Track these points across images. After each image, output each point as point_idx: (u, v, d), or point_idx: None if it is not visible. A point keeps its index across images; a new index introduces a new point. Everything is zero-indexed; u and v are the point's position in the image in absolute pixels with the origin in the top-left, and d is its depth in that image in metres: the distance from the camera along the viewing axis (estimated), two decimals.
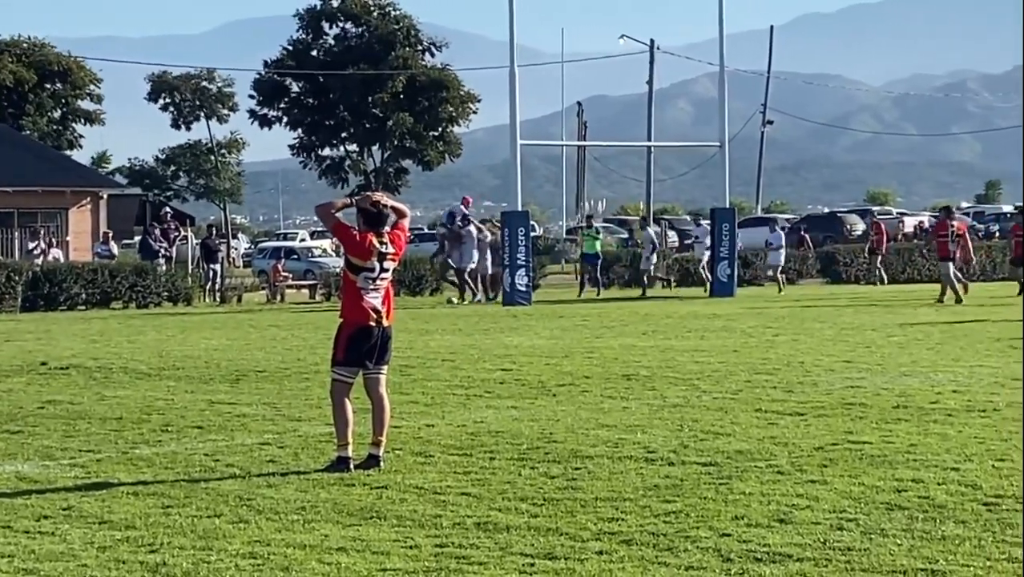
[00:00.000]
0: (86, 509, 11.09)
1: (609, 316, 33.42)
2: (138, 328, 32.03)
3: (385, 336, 13.00)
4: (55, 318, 37.27)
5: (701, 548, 9.49)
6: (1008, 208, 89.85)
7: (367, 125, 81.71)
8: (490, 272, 41.57)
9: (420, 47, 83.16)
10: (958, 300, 35.87)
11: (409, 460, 13.12)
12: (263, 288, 50.20)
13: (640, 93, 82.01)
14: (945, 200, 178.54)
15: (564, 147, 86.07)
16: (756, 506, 10.77)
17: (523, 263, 39.88)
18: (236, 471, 12.72)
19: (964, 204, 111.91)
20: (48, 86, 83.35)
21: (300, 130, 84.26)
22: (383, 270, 12.93)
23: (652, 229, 47.16)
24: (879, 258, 48.51)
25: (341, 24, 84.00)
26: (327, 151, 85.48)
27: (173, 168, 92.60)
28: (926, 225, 76.46)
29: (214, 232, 52.84)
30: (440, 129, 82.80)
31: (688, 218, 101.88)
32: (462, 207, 42.00)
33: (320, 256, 65.13)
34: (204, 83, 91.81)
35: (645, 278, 45.17)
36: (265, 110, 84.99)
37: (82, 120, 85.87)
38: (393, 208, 13.09)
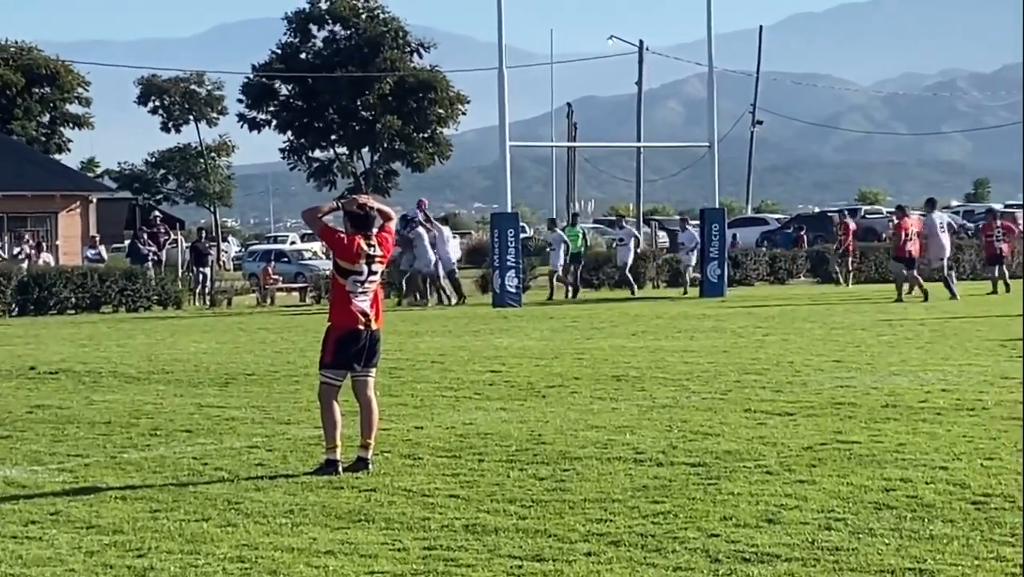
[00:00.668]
0: (74, 514, 11.07)
1: (599, 317, 33.40)
2: (127, 332, 31.99)
3: (373, 339, 13.00)
4: (45, 322, 37.22)
5: (689, 549, 9.48)
6: (998, 205, 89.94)
7: (356, 127, 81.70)
8: (454, 265, 41.16)
9: (408, 49, 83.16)
10: (898, 299, 36.51)
11: (398, 462, 13.11)
12: (253, 291, 50.15)
13: (630, 94, 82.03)
14: (937, 199, 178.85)
15: (554, 148, 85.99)
16: (744, 506, 10.77)
17: (513, 264, 39.83)
18: (224, 475, 12.71)
19: (954, 203, 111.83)
20: (36, 90, 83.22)
21: (289, 133, 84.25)
22: (371, 273, 12.94)
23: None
24: (850, 259, 48.03)
25: (329, 27, 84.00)
26: (317, 153, 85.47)
27: (163, 171, 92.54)
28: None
29: (203, 235, 52.79)
30: (429, 131, 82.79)
31: (678, 218, 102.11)
32: (417, 210, 41.18)
33: (310, 259, 65.08)
34: (193, 86, 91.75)
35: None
36: (254, 113, 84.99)
37: (71, 124, 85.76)
38: (379, 211, 13.11)
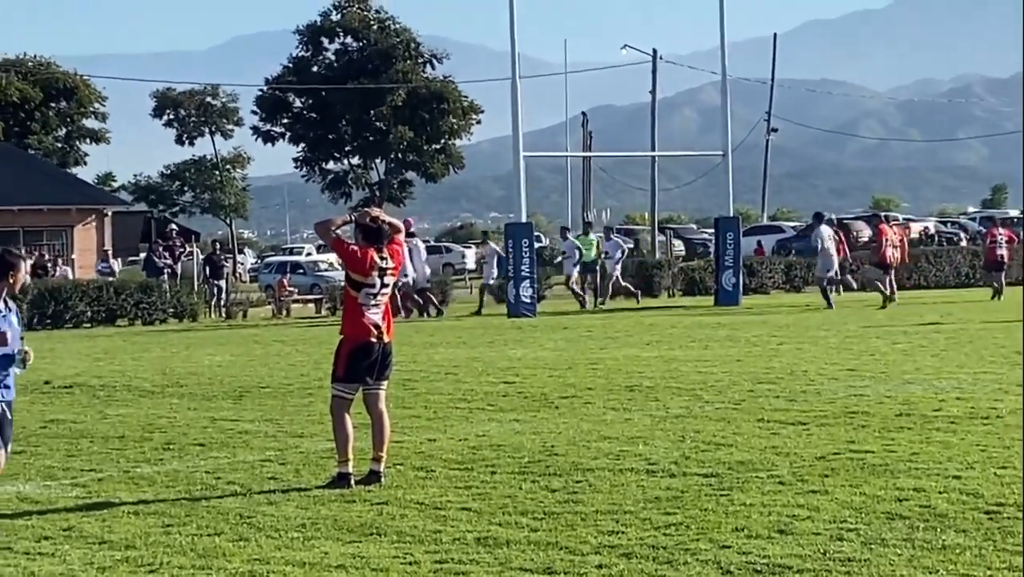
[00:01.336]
0: (87, 529, 11.08)
1: (614, 326, 33.37)
2: (143, 345, 32.05)
3: (385, 352, 13.02)
4: (60, 336, 37.30)
5: (701, 561, 9.47)
6: (1014, 211, 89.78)
7: (369, 139, 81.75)
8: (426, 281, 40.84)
9: (421, 60, 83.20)
10: (884, 305, 37.14)
11: (410, 475, 13.11)
12: (269, 303, 50.21)
13: (646, 102, 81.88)
14: (953, 205, 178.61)
15: (568, 158, 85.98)
16: (756, 517, 10.76)
17: (527, 275, 39.84)
18: (237, 488, 12.72)
19: (971, 209, 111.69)
20: (54, 104, 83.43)
21: (303, 145, 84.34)
22: (383, 285, 12.97)
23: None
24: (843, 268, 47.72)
25: (341, 39, 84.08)
26: (330, 165, 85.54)
27: (178, 184, 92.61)
28: (931, 231, 76.60)
29: (218, 248, 52.85)
30: (442, 142, 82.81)
31: (694, 227, 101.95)
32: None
33: (326, 270, 65.08)
34: (208, 99, 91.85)
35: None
36: (268, 126, 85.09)
37: (87, 139, 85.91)
38: (389, 224, 13.14)
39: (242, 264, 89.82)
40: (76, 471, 13.98)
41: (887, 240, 38.76)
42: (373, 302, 12.93)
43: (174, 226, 60.15)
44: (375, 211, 13.40)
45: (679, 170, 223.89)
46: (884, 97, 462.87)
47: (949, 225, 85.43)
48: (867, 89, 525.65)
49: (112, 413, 18.51)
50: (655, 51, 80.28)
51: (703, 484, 12.17)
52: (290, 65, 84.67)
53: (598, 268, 45.32)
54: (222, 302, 46.74)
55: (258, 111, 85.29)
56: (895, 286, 39.46)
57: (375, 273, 12.91)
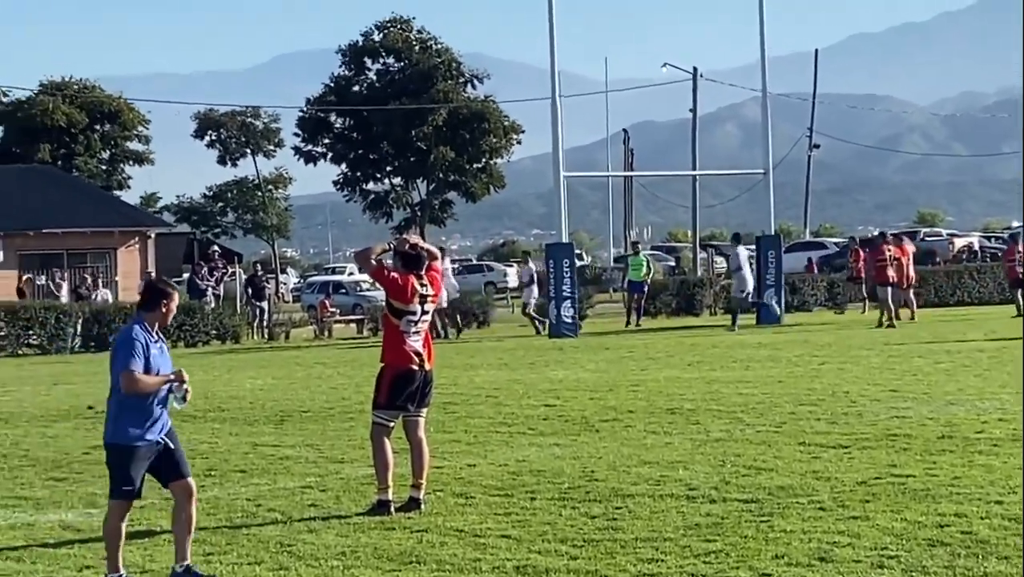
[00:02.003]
0: (128, 559, 11.10)
1: (655, 347, 33.30)
2: (186, 368, 31.98)
3: (427, 379, 13.06)
4: (104, 359, 37.32)
5: None
6: None
7: (411, 159, 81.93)
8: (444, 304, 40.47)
9: (462, 79, 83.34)
10: (890, 324, 37.10)
11: (450, 501, 13.11)
12: (311, 323, 50.30)
13: (687, 118, 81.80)
14: (996, 219, 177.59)
15: (610, 178, 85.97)
16: (797, 544, 10.72)
17: (568, 295, 39.80)
18: (278, 516, 12.74)
19: (1015, 224, 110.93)
20: (98, 127, 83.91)
21: (344, 165, 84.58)
22: (424, 313, 13.00)
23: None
24: (861, 287, 47.23)
25: (383, 59, 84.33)
26: (371, 185, 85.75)
27: (220, 204, 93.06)
28: (975, 247, 76.14)
29: (260, 270, 53.01)
30: (483, 161, 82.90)
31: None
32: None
33: (368, 290, 65.20)
34: (250, 119, 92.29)
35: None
36: (309, 146, 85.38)
37: (131, 161, 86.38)
38: (427, 250, 13.17)
39: (284, 284, 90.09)
40: None
41: (889, 260, 38.77)
42: (414, 329, 12.97)
43: (216, 248, 60.35)
44: (413, 237, 13.43)
45: (722, 186, 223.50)
46: (928, 111, 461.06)
47: (993, 240, 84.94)
48: (910, 103, 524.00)
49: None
50: (695, 69, 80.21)
51: (743, 510, 12.13)
52: (332, 85, 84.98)
53: (646, 288, 45.04)
54: (264, 323, 46.87)
55: (300, 132, 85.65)
56: (915, 305, 39.78)
57: (416, 300, 12.95)
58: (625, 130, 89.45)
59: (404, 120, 79.57)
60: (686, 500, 12.70)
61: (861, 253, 46.65)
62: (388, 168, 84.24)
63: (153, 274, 52.95)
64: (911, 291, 40.57)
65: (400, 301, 12.97)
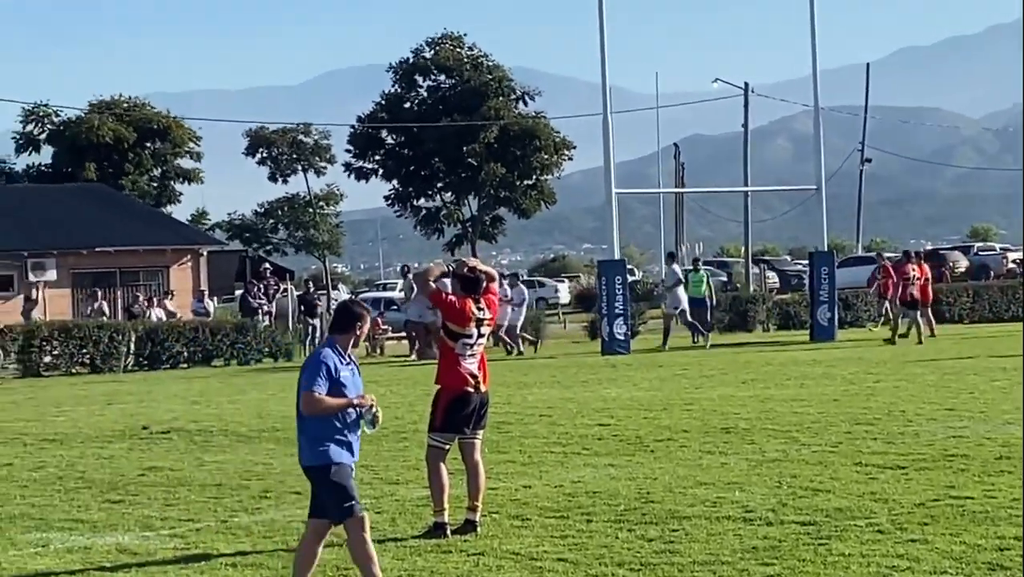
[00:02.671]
0: None
1: (708, 364, 33.19)
2: (239, 387, 32.21)
3: (482, 402, 13.07)
4: (157, 377, 37.60)
5: None
6: None
7: (462, 175, 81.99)
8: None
9: (513, 96, 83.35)
10: (892, 341, 37.70)
11: (506, 524, 13.09)
12: (364, 341, 50.24)
13: (738, 132, 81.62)
14: None
15: (661, 194, 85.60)
16: (855, 568, 10.65)
17: (621, 312, 39.73)
18: (334, 539, 12.64)
19: None
20: (148, 145, 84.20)
21: (395, 181, 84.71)
22: (480, 336, 13.02)
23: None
24: (886, 303, 46.59)
25: (434, 76, 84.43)
26: (422, 201, 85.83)
27: (272, 221, 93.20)
28: None
29: (312, 286, 53.07)
30: (533, 178, 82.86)
31: (788, 258, 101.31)
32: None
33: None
34: (301, 136, 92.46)
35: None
36: (360, 163, 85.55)
37: (181, 178, 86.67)
38: (485, 273, 13.18)
39: (336, 300, 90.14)
40: (174, 521, 14.06)
41: (912, 279, 38.65)
42: (469, 352, 12.98)
43: (268, 265, 60.49)
44: (472, 261, 13.45)
45: (773, 200, 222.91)
46: (979, 124, 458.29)
47: None
48: (961, 116, 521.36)
49: (209, 460, 18.60)
50: (747, 84, 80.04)
51: (800, 533, 12.06)
52: (383, 102, 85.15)
53: (708, 304, 44.40)
54: (317, 341, 46.90)
55: (351, 148, 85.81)
56: (933, 322, 40.06)
57: (472, 323, 12.96)
58: (676, 144, 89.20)
59: (455, 137, 79.62)
60: (743, 522, 12.64)
61: (891, 269, 46.38)
62: (439, 184, 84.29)
63: (206, 292, 53.18)
64: (928, 309, 40.39)
65: (457, 324, 12.99)
